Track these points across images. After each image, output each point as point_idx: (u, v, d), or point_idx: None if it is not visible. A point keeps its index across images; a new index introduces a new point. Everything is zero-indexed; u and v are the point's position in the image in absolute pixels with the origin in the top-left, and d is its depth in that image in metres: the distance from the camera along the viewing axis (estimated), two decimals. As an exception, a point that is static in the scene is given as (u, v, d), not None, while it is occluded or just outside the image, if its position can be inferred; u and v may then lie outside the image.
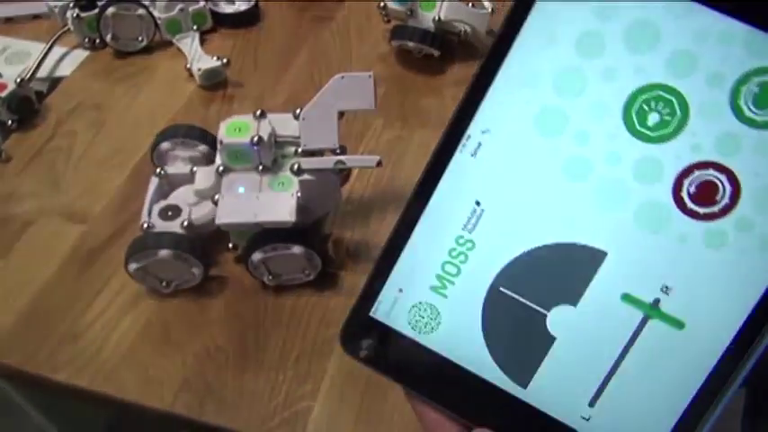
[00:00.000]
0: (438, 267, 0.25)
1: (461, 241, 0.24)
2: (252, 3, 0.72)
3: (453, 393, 0.25)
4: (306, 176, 0.43)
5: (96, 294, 0.48)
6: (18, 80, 0.58)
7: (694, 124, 0.22)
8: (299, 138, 0.44)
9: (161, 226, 0.45)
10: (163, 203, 0.47)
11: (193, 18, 0.68)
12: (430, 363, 0.25)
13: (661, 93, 0.22)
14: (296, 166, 0.42)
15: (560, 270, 0.24)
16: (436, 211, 0.25)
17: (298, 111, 0.45)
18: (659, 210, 0.22)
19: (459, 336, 0.25)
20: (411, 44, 0.65)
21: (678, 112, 0.22)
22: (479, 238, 0.24)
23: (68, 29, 0.66)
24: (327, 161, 0.42)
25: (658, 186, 0.22)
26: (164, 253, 0.43)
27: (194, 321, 0.46)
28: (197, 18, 0.69)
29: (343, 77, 0.43)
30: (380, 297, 0.25)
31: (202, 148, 0.49)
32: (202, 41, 0.68)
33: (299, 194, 0.43)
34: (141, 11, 0.65)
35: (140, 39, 0.66)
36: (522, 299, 0.24)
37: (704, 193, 0.22)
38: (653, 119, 0.22)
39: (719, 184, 0.22)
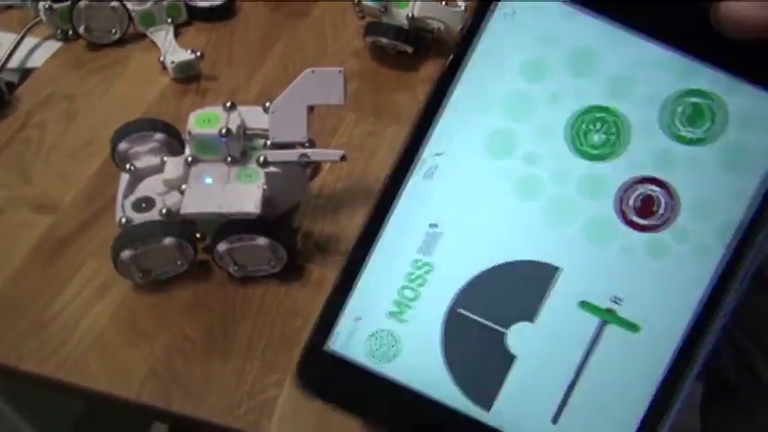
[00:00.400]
0: (395, 293, 0.24)
1: (419, 264, 0.24)
2: (227, -2, 0.72)
3: (416, 423, 0.24)
4: (271, 169, 0.43)
5: (64, 285, 0.48)
6: (-12, 70, 0.58)
7: (634, 142, 0.23)
8: (268, 131, 0.45)
9: (138, 218, 0.45)
10: (133, 197, 0.47)
11: (168, 11, 0.68)
12: (391, 393, 0.24)
13: (602, 114, 0.24)
14: (262, 159, 0.43)
15: (516, 288, 0.24)
16: (392, 235, 0.24)
17: (268, 104, 0.45)
18: (605, 224, 0.24)
19: (419, 362, 0.24)
20: (385, 40, 0.66)
21: (619, 131, 0.24)
22: (437, 260, 0.24)
23: (40, 20, 0.66)
24: (292, 154, 0.42)
25: (603, 201, 0.24)
26: (168, 241, 0.44)
27: (163, 312, 0.46)
28: (171, 11, 0.69)
29: (313, 72, 0.43)
30: (337, 328, 0.25)
31: (159, 136, 0.50)
32: (177, 34, 0.68)
33: (264, 186, 0.44)
34: (115, 3, 0.65)
35: (114, 31, 0.66)
36: (480, 319, 0.24)
37: (645, 207, 0.23)
38: (596, 138, 0.24)
39: (658, 198, 0.23)
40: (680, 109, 0.23)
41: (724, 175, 0.23)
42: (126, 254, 0.44)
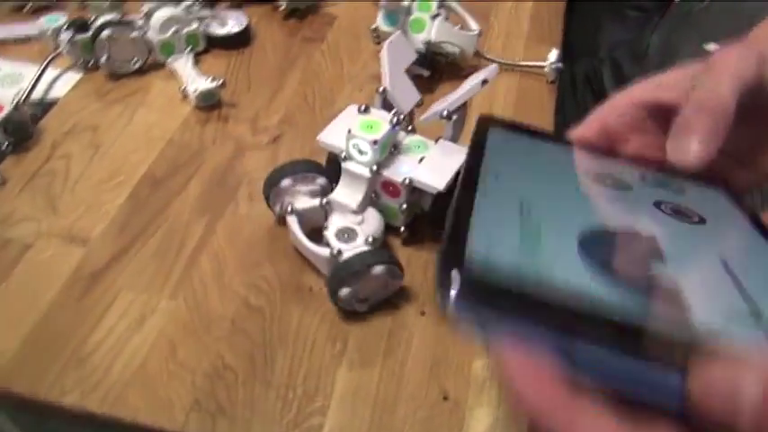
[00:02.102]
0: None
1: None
2: (244, 25, 0.73)
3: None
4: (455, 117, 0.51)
5: (100, 317, 0.47)
6: (15, 102, 0.58)
7: None
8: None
9: (345, 249, 0.47)
10: (336, 227, 0.49)
11: (187, 40, 0.69)
12: (541, 296, 0.21)
13: None
14: (445, 112, 0.51)
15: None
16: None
17: (381, 88, 0.52)
18: None
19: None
20: (403, 64, 0.67)
21: None
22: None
23: (60, 51, 0.66)
24: (474, 85, 0.50)
25: None
26: (378, 269, 0.46)
27: (201, 340, 0.46)
28: (190, 40, 0.69)
29: (390, 41, 0.53)
30: (470, 246, 0.22)
31: (321, 180, 0.52)
32: (196, 62, 0.69)
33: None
34: (136, 33, 0.65)
35: (134, 61, 0.67)
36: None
37: None
38: None
39: None
40: None
41: None
42: (345, 291, 0.46)
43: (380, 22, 0.69)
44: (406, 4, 0.67)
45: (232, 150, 0.61)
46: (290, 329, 0.47)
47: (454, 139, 0.53)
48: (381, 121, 0.50)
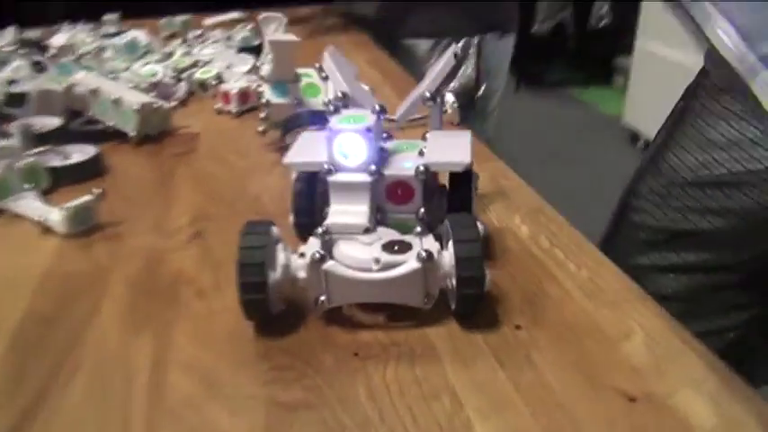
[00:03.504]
0: None
1: None
2: (92, 153, 0.57)
3: None
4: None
5: None
6: None
7: None
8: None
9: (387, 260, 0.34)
10: (384, 241, 0.35)
11: (25, 176, 0.51)
12: None
13: None
14: (428, 93, 0.43)
15: None
16: None
17: (339, 93, 0.42)
18: None
19: None
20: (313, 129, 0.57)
21: None
22: None
23: None
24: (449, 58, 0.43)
25: None
26: None
27: None
28: (30, 176, 0.52)
29: (328, 52, 0.45)
30: None
31: (275, 231, 0.37)
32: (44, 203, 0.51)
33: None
34: (-50, 173, 0.47)
35: (-46, 211, 0.47)
36: None
37: None
38: None
39: None
40: None
41: None
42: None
43: (270, 96, 0.59)
44: (298, 71, 0.59)
45: (145, 260, 0.43)
46: (363, 410, 0.29)
47: (438, 127, 0.44)
48: (362, 113, 0.39)
